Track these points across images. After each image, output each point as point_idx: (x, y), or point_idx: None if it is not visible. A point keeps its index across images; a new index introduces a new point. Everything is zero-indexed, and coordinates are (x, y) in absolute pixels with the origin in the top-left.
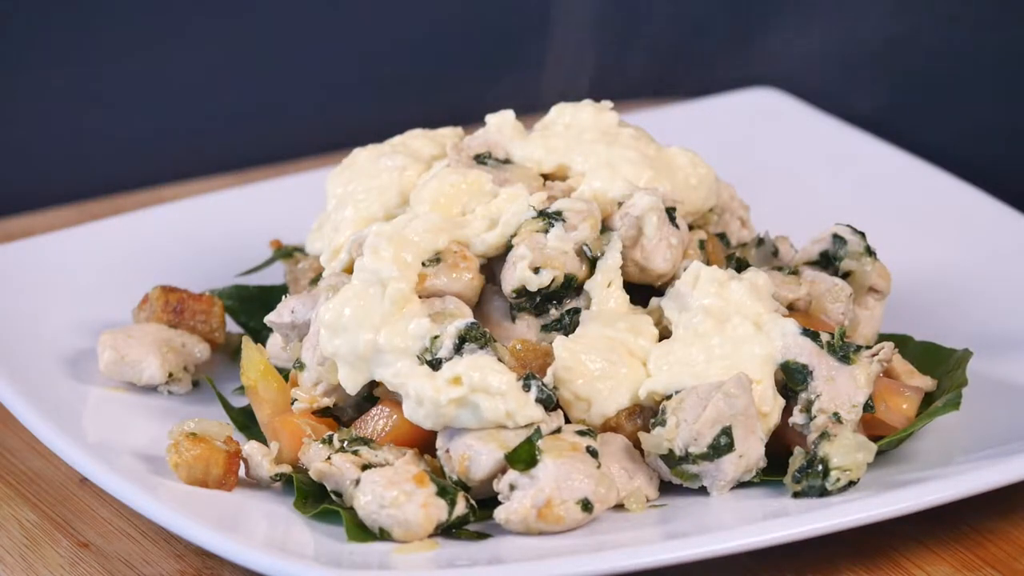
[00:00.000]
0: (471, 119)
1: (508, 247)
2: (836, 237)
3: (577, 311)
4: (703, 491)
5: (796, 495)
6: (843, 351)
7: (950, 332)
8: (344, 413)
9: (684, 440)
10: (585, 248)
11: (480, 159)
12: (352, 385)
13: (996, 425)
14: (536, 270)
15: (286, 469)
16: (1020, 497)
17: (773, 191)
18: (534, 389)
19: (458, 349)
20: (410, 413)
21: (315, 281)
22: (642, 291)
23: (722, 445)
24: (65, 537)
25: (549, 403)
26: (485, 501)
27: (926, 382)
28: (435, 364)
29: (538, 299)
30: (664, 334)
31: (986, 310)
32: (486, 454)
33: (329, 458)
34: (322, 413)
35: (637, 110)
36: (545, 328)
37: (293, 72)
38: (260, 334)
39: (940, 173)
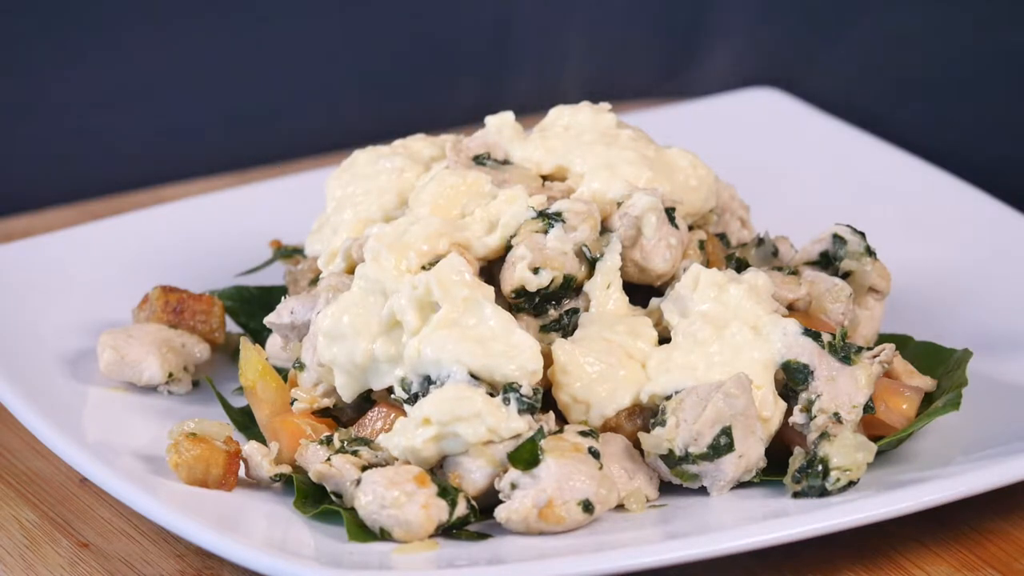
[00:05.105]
0: (471, 120)
1: (508, 248)
2: (836, 237)
3: (576, 312)
4: (703, 491)
5: (796, 495)
6: (844, 352)
7: (950, 332)
8: (344, 413)
9: (684, 440)
10: (584, 249)
11: (479, 160)
12: (348, 394)
13: (996, 425)
14: (535, 270)
15: (286, 469)
16: (1020, 497)
17: (773, 191)
18: (514, 403)
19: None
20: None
21: (315, 282)
22: (642, 291)
23: (722, 445)
24: (65, 537)
25: (533, 410)
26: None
27: (926, 382)
28: (412, 400)
29: (537, 299)
30: (664, 336)
31: (986, 310)
32: (476, 471)
33: (329, 459)
34: (322, 413)
35: (637, 110)
36: (544, 329)
37: (293, 72)
38: (260, 335)
39: (940, 173)
